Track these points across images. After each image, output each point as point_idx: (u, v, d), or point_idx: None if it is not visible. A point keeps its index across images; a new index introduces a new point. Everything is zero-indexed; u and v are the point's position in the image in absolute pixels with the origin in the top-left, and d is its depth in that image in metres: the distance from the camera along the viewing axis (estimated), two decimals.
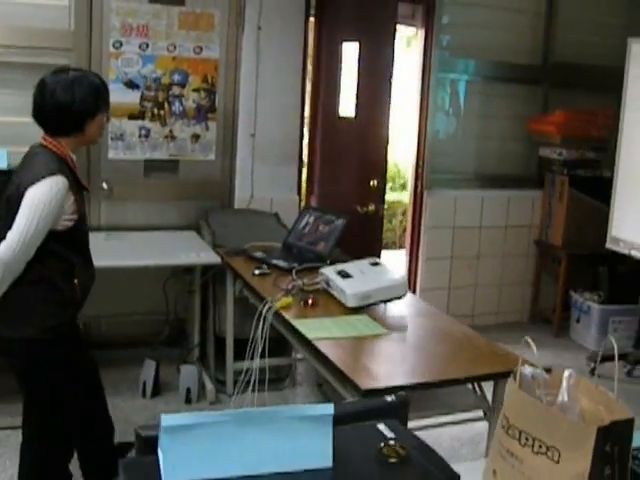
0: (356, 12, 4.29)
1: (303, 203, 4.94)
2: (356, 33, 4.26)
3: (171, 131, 4.49)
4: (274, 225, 4.57)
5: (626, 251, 4.69)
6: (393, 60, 4.09)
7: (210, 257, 3.97)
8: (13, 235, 2.47)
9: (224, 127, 4.61)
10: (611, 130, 5.32)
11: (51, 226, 2.52)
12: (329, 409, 1.12)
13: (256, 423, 1.04)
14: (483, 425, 2.83)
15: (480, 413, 2.82)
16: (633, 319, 5.05)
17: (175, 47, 4.42)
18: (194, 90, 4.50)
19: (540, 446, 1.73)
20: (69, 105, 2.56)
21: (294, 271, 3.67)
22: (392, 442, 1.19)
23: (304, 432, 1.08)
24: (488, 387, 2.77)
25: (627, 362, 4.76)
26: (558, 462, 1.62)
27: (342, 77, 4.49)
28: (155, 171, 4.49)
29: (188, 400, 4.03)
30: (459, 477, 1.21)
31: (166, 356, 4.23)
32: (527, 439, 1.76)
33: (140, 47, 4.35)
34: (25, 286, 2.54)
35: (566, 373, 2.00)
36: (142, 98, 4.38)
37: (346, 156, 4.49)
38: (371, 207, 4.22)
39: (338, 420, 1.14)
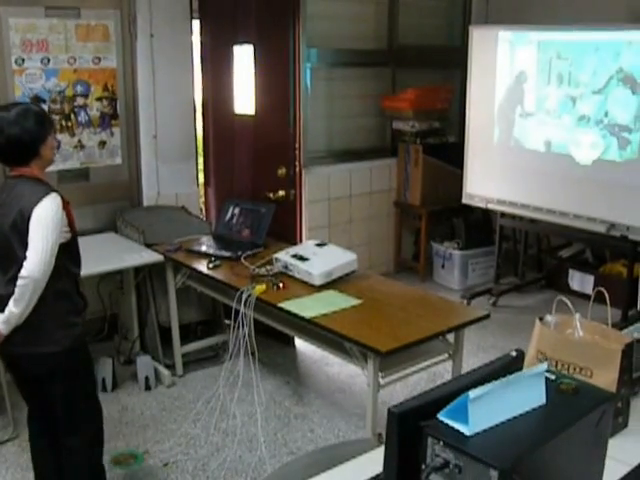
0: (249, 16, 4.68)
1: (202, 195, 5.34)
2: (252, 36, 4.66)
3: (79, 140, 4.69)
4: (186, 217, 4.94)
5: (482, 204, 5.60)
6: (295, 58, 4.54)
7: (153, 256, 4.29)
8: (35, 253, 2.66)
9: (127, 132, 4.88)
10: (451, 102, 6.20)
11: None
12: (544, 367, 1.65)
13: (510, 385, 1.57)
14: (447, 364, 3.52)
15: (444, 356, 3.49)
16: (487, 259, 6.03)
17: (75, 59, 4.60)
18: (97, 99, 4.72)
19: (574, 368, 2.42)
20: (20, 137, 2.76)
21: (242, 258, 4.13)
22: (561, 380, 1.74)
23: (532, 384, 1.58)
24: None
25: (492, 295, 5.72)
26: (591, 377, 2.32)
27: (236, 77, 4.87)
28: (68, 180, 4.64)
29: (147, 387, 4.35)
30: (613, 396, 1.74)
31: (101, 351, 4.47)
32: (562, 365, 2.45)
33: (42, 62, 4.48)
34: (47, 303, 2.74)
35: (577, 316, 2.69)
36: (49, 112, 4.49)
37: (245, 149, 4.89)
38: (281, 193, 4.70)
39: (489, 379, 1.52)
